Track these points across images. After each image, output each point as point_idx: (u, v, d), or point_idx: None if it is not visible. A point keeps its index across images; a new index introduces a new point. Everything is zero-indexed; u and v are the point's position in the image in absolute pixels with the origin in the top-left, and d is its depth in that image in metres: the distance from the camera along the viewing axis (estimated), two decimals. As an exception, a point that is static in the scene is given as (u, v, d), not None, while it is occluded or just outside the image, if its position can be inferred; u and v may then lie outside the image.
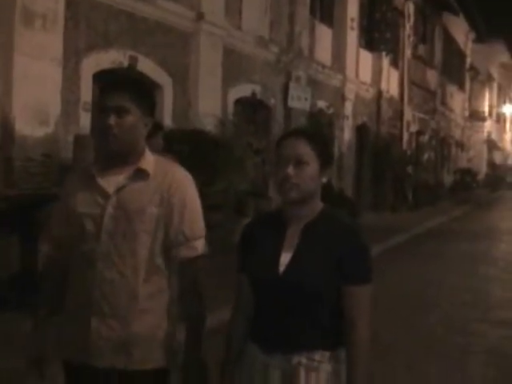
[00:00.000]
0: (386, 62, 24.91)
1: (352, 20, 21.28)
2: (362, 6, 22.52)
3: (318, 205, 2.79)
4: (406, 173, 25.63)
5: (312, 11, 18.78)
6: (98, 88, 10.30)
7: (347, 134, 21.18)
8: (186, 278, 2.92)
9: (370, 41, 23.88)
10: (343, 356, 2.69)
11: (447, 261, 14.39)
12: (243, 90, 15.11)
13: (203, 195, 9.98)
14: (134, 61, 11.44)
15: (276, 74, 16.51)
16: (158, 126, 7.74)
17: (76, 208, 2.93)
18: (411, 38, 28.19)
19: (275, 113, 16.71)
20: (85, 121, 10.32)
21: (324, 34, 20.01)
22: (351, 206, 18.12)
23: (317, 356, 2.66)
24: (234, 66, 14.40)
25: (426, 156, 30.54)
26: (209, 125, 12.55)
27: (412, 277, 12.10)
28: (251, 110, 15.48)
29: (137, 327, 2.85)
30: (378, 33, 23.88)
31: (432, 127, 32.20)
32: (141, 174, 2.88)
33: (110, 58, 10.99)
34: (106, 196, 2.87)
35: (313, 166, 2.68)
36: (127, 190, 2.87)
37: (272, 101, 16.44)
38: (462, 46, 40.33)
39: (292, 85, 17.00)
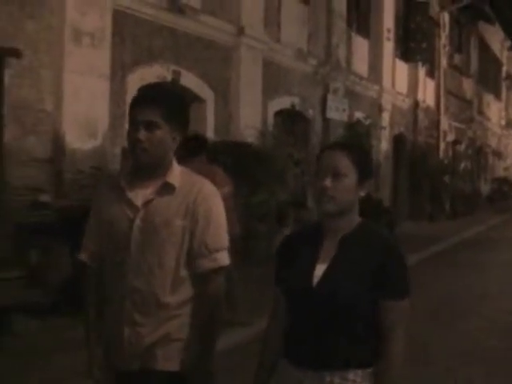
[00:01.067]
0: (422, 72, 25.01)
1: (388, 31, 21.43)
2: (397, 17, 22.66)
3: (356, 218, 2.77)
4: (443, 182, 25.61)
5: (348, 23, 18.95)
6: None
7: (384, 144, 21.29)
8: (207, 288, 2.94)
9: (405, 51, 23.95)
10: None
11: (486, 269, 14.37)
12: (282, 102, 15.34)
13: (246, 206, 10.27)
14: (177, 75, 11.75)
15: (314, 86, 16.72)
16: (203, 145, 8.02)
17: (106, 220, 3.00)
18: (447, 48, 28.18)
19: (314, 124, 16.92)
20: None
21: (360, 45, 20.17)
22: (389, 216, 18.24)
23: (350, 375, 2.62)
24: (273, 78, 14.64)
25: (462, 165, 30.45)
26: (250, 137, 12.80)
27: (451, 285, 12.14)
28: (290, 121, 15.68)
29: (163, 331, 2.91)
30: (413, 43, 23.95)
31: (469, 136, 32.08)
32: (167, 188, 2.93)
33: (155, 72, 11.30)
34: (134, 209, 2.92)
35: (351, 178, 2.67)
36: (154, 204, 2.91)
37: (310, 112, 16.64)
38: (497, 54, 40.11)
39: (330, 96, 17.22)
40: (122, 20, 10.47)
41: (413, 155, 24.18)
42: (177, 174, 2.98)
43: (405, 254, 2.70)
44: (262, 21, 14.06)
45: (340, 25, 17.94)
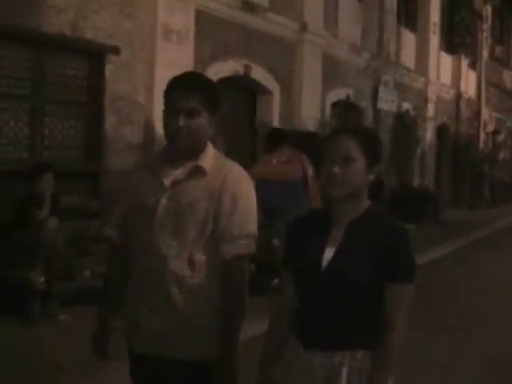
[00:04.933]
0: (464, 63, 25.63)
1: (434, 25, 22.18)
2: (443, 11, 23.37)
3: (365, 202, 2.77)
4: (483, 171, 26.37)
5: (398, 18, 19.80)
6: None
7: (429, 134, 22.09)
8: (229, 275, 2.87)
9: (450, 44, 24.63)
10: None
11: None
12: (339, 94, 16.30)
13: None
14: (248, 69, 12.76)
15: (367, 79, 17.63)
16: (285, 135, 9.10)
17: (136, 198, 2.99)
18: (488, 40, 28.78)
19: (366, 114, 17.88)
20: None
21: (408, 38, 21.01)
22: (435, 202, 19.13)
23: (359, 355, 2.65)
24: (331, 71, 15.56)
25: (501, 155, 31.06)
26: (310, 126, 13.76)
27: (495, 266, 13.16)
28: (345, 111, 16.61)
29: (182, 317, 2.86)
30: (457, 36, 24.61)
31: (508, 126, 32.64)
32: (198, 171, 2.90)
33: (229, 66, 12.33)
34: (163, 189, 2.90)
35: (360, 163, 2.67)
36: (182, 185, 2.89)
37: (363, 103, 17.60)
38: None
39: (381, 88, 18.11)
40: (202, 18, 11.47)
41: (455, 145, 24.96)
42: (209, 157, 2.95)
43: (411, 241, 2.72)
44: (322, 18, 14.97)
45: (391, 20, 18.83)
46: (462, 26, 24.61)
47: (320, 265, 2.68)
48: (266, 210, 7.10)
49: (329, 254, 2.69)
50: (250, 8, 12.59)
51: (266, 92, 13.52)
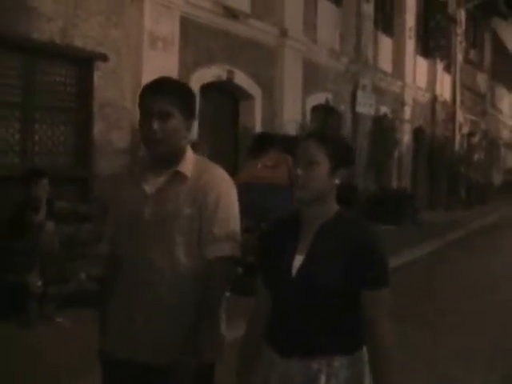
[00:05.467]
0: (439, 67, 26.11)
1: (410, 29, 22.55)
2: (418, 15, 23.77)
3: (333, 207, 2.76)
4: (459, 173, 26.83)
5: (375, 23, 20.14)
6: (203, 99, 11.90)
7: (406, 137, 22.49)
8: (210, 274, 2.85)
9: (425, 48, 25.06)
10: (363, 359, 2.70)
11: (501, 253, 15.79)
12: (318, 98, 16.65)
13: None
14: (231, 74, 13.02)
15: (345, 83, 17.98)
16: (273, 139, 9.33)
17: (122, 209, 3.00)
18: (463, 44, 29.22)
19: (345, 118, 18.23)
20: (194, 128, 11.88)
21: (385, 43, 21.38)
22: (413, 202, 19.53)
23: (336, 362, 2.63)
24: (311, 76, 15.88)
25: (476, 156, 31.56)
26: (291, 130, 14.04)
27: (471, 266, 13.54)
28: (325, 115, 16.93)
29: (176, 324, 2.84)
30: (432, 40, 25.05)
31: (482, 128, 33.17)
32: (179, 177, 2.90)
33: (212, 72, 12.58)
34: (145, 197, 2.90)
35: (323, 167, 2.66)
36: (165, 193, 2.89)
37: (342, 107, 17.96)
38: (510, 49, 40.98)
39: (359, 92, 18.48)
40: (186, 25, 11.71)
41: (431, 147, 25.40)
42: (190, 162, 2.95)
43: (383, 244, 2.71)
44: (301, 23, 15.29)
45: (368, 25, 19.19)
46: (437, 30, 25.05)
47: (290, 272, 2.67)
48: (251, 213, 7.18)
49: (298, 260, 2.68)
50: (232, 14, 12.84)
51: (249, 97, 13.80)
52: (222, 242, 2.87)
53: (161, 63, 10.85)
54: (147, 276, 2.86)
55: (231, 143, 13.71)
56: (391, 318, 2.67)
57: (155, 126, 2.78)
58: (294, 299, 2.66)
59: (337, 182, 2.71)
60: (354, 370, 2.65)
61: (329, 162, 2.66)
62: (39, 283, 7.08)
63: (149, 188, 2.90)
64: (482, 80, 33.00)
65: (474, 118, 31.62)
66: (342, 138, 2.94)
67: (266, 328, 2.79)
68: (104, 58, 10.07)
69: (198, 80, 12.04)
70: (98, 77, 10.07)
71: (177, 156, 2.90)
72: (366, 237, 2.67)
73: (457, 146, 28.42)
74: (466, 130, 30.42)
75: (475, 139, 32.16)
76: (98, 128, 10.09)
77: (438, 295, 10.47)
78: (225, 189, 2.93)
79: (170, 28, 11.14)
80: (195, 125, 11.91)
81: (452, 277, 12.22)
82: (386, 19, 21.69)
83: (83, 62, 9.93)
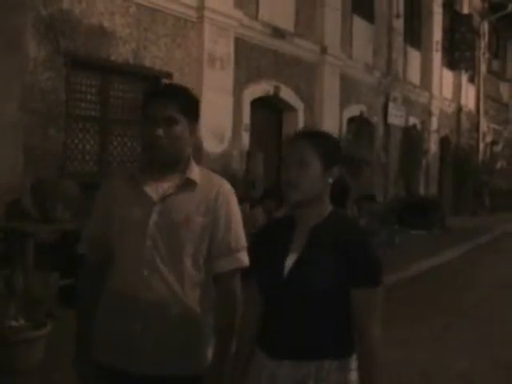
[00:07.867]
0: (464, 78, 27.00)
1: (437, 43, 23.55)
2: (444, 29, 24.75)
3: (327, 207, 2.72)
4: (483, 180, 27.70)
5: (404, 37, 21.14)
6: (252, 112, 13.03)
7: (433, 146, 23.44)
8: (225, 289, 2.87)
9: (450, 60, 25.95)
10: (353, 365, 2.63)
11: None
12: (354, 110, 17.72)
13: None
14: (277, 89, 14.10)
15: (378, 95, 19.09)
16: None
17: (119, 213, 2.87)
18: (486, 55, 30.05)
19: (377, 129, 19.30)
20: (245, 139, 13.02)
21: (413, 56, 22.37)
22: (441, 210, 20.45)
23: (326, 365, 2.58)
24: (347, 89, 16.98)
25: (499, 164, 32.26)
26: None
27: (500, 267, 14.61)
28: (360, 126, 18.00)
29: (178, 335, 2.80)
30: (458, 52, 25.95)
31: (505, 137, 33.88)
32: (189, 184, 2.85)
33: (261, 88, 13.68)
34: (150, 203, 2.81)
35: (314, 167, 2.62)
36: (173, 199, 2.82)
37: (375, 118, 19.06)
38: (531, 59, 41.67)
39: (391, 104, 19.61)
40: (240, 46, 12.83)
41: (456, 156, 26.28)
42: (196, 170, 2.91)
43: (375, 244, 2.74)
44: (339, 41, 16.39)
45: (398, 41, 20.29)
46: (462, 43, 25.95)
47: (282, 273, 2.63)
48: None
49: (290, 261, 2.64)
50: (279, 34, 13.94)
51: (292, 109, 14.90)
52: (236, 253, 2.89)
53: (218, 80, 11.96)
54: (149, 284, 2.78)
55: (276, 151, 14.74)
56: (381, 323, 2.63)
57: (160, 131, 2.76)
58: (285, 300, 2.64)
59: (330, 181, 2.68)
60: (345, 374, 2.61)
61: (320, 163, 2.63)
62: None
63: (153, 193, 2.83)
64: (504, 89, 33.72)
65: (496, 126, 32.35)
66: (331, 136, 2.83)
67: (258, 330, 2.77)
68: (169, 76, 11.14)
69: (249, 95, 13.14)
70: (163, 93, 11.09)
71: (181, 162, 2.88)
72: (358, 236, 2.65)
73: (481, 155, 29.26)
74: (489, 138, 31.15)
75: (498, 147, 32.87)
76: (163, 139, 11.10)
77: (475, 289, 11.55)
78: (234, 203, 2.94)
79: (226, 48, 12.24)
80: (246, 135, 13.04)
81: (485, 275, 13.29)
82: (414, 33, 22.64)
83: (152, 80, 10.97)
